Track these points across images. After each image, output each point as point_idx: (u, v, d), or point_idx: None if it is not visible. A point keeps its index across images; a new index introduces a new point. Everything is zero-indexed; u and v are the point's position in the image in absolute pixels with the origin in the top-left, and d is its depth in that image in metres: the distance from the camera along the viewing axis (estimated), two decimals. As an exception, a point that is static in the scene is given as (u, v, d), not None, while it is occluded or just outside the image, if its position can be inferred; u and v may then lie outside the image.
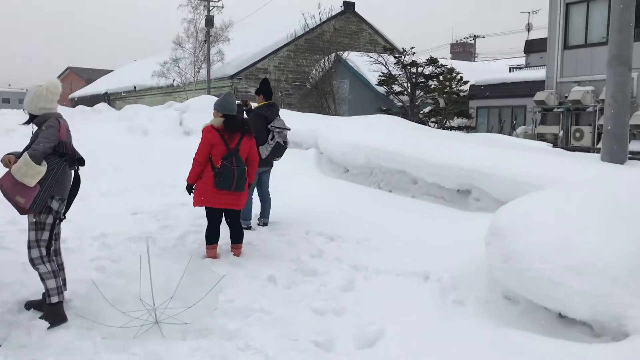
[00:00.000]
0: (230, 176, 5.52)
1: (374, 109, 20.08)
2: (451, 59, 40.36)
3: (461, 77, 20.02)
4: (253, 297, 4.60)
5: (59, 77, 54.34)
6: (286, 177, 10.57)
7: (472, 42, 43.10)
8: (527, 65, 26.05)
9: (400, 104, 21.48)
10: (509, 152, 8.05)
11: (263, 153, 6.96)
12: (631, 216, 3.90)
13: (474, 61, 42.18)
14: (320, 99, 24.11)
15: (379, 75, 21.03)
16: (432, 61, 20.55)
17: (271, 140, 6.98)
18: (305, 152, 12.68)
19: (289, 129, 7.43)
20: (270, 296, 4.67)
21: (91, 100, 40.00)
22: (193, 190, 5.69)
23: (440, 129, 18.60)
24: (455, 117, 21.37)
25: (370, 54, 23.82)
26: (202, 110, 18.10)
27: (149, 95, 39.12)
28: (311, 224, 7.10)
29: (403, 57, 20.83)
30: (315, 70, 26.91)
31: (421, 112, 20.39)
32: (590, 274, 3.56)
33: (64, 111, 16.18)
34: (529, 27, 35.06)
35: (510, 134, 19.74)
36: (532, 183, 6.42)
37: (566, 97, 17.51)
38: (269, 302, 4.49)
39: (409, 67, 20.33)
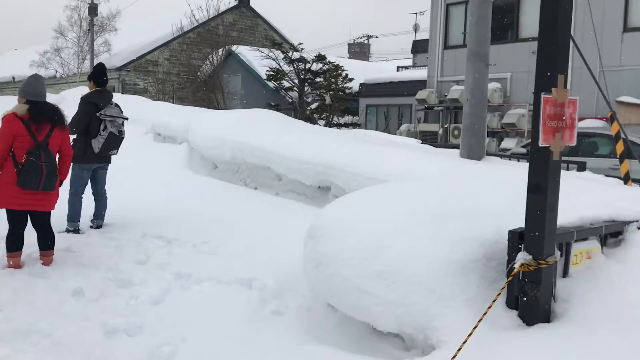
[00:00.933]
0: (38, 173, 4.79)
1: (265, 105, 19.62)
2: (349, 57, 40.67)
3: (346, 75, 19.91)
4: (41, 315, 3.94)
5: None
6: (152, 173, 9.87)
7: (366, 42, 43.60)
8: (414, 65, 26.51)
9: (291, 99, 21.12)
10: (368, 148, 7.79)
11: (95, 146, 6.23)
12: (449, 216, 3.61)
13: (369, 61, 42.70)
14: (209, 94, 23.27)
15: (267, 70, 20.53)
16: (320, 58, 20.31)
17: (103, 131, 6.24)
18: (178, 147, 11.95)
19: (126, 118, 6.73)
20: (64, 314, 4.02)
21: (-36, 91, 36.71)
22: None
23: (326, 126, 18.38)
24: (345, 115, 21.30)
25: (261, 49, 23.28)
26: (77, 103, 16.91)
27: (28, 87, 36.38)
28: (153, 225, 6.46)
29: (291, 52, 20.43)
30: (206, 65, 26.01)
31: (308, 108, 20.09)
32: (398, 281, 3.22)
33: None
34: (416, 28, 35.82)
35: (396, 132, 19.91)
36: (381, 179, 6.20)
37: (446, 95, 17.81)
38: (56, 322, 3.85)
39: (296, 63, 19.96)
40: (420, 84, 19.63)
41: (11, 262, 4.91)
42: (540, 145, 2.94)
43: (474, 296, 3.17)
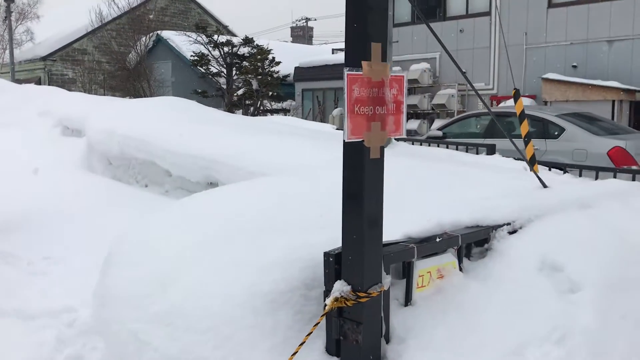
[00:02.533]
0: None
1: (192, 92, 18.58)
2: (292, 42, 39.65)
3: (273, 58, 18.97)
4: None
5: None
6: (36, 171, 8.87)
7: (307, 25, 42.64)
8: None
9: (218, 86, 20.08)
10: (262, 139, 6.98)
11: None
12: (271, 229, 2.82)
13: (312, 44, 41.73)
14: (134, 82, 21.98)
15: (191, 55, 19.41)
16: (248, 41, 19.31)
17: None
18: (80, 141, 10.88)
19: None
20: None
21: None
22: None
23: (254, 112, 17.46)
24: (278, 101, 20.42)
25: (188, 33, 22.08)
26: None
27: (-50, 80, 34.23)
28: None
29: (217, 36, 19.35)
30: (134, 52, 24.64)
31: (235, 94, 19.09)
32: (181, 327, 2.42)
33: None
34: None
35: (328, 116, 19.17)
36: (265, 172, 5.43)
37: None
38: None
39: (221, 47, 18.88)
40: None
41: None
42: (347, 141, 2.17)
43: (283, 341, 2.39)
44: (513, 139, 4.37)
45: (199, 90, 19.54)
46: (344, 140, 2.19)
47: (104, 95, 22.58)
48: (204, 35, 19.43)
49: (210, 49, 19.59)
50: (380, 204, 2.31)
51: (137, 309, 2.54)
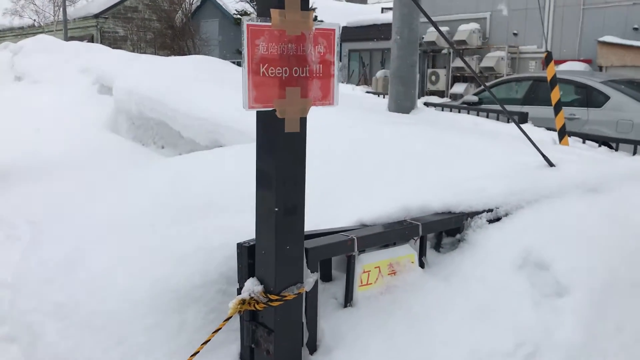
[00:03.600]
0: None
1: (235, 51, 18.22)
2: (346, 1, 38.60)
3: (316, 17, 18.28)
4: None
5: None
6: (61, 129, 8.91)
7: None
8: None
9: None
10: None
11: None
12: (203, 208, 2.45)
13: (366, 3, 40.47)
14: (179, 41, 21.80)
15: (234, 14, 18.97)
16: None
17: None
18: (111, 100, 10.78)
19: None
20: None
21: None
22: None
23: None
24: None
25: (234, -9, 21.63)
26: (36, 52, 15.79)
27: (9, 37, 35.04)
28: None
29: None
30: (180, 10, 24.44)
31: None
32: (75, 322, 2.08)
33: None
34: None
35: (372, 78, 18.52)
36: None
37: (423, 38, 16.26)
38: None
39: (264, 5, 18.31)
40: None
41: None
42: (248, 109, 1.73)
43: (187, 343, 2.03)
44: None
45: (241, 50, 19.15)
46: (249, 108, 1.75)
47: (155, 54, 22.51)
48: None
49: (254, 6, 19.08)
50: (300, 187, 1.88)
51: (38, 298, 2.22)
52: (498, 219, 2.58)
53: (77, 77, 13.24)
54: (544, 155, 3.09)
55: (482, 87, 9.47)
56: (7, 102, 10.86)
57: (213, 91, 7.32)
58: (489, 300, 2.24)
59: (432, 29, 16.02)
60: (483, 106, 8.06)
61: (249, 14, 19.14)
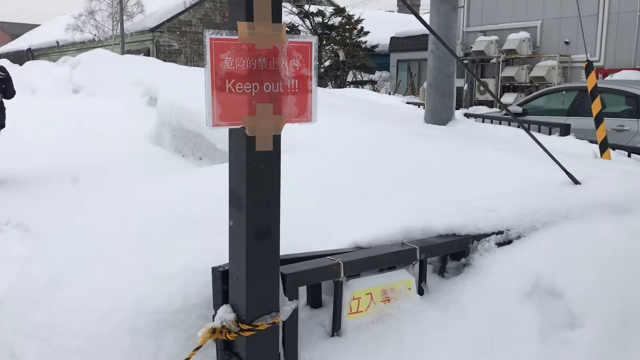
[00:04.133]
0: None
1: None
2: (398, 11, 38.38)
3: (362, 28, 18.20)
4: None
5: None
6: (105, 140, 9.14)
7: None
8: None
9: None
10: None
11: None
12: (195, 225, 2.36)
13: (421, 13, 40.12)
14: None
15: (282, 26, 19.08)
16: (339, 11, 18.66)
17: None
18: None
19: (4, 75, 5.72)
20: None
21: (14, 57, 37.14)
22: None
23: (340, 85, 16.93)
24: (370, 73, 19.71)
25: (285, 4, 21.82)
26: (92, 65, 16.37)
27: (71, 51, 36.47)
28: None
29: (308, 5, 18.91)
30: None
31: (322, 66, 18.59)
32: (55, 344, 2.03)
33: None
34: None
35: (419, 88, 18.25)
36: (286, 141, 4.94)
37: (471, 47, 15.92)
38: None
39: (312, 17, 18.42)
40: (452, 36, 17.80)
41: None
42: (214, 126, 1.64)
43: (161, 372, 1.94)
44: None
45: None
46: (213, 126, 1.66)
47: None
48: (294, 6, 19.04)
49: (301, 19, 19.20)
50: (274, 209, 1.77)
51: (22, 318, 2.19)
52: (509, 242, 2.40)
53: (130, 89, 13.60)
54: (566, 171, 2.87)
55: (528, 97, 9.13)
56: (64, 114, 11.20)
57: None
58: (492, 331, 2.06)
59: (481, 38, 15.66)
60: (527, 117, 7.75)
61: (296, 27, 19.27)
